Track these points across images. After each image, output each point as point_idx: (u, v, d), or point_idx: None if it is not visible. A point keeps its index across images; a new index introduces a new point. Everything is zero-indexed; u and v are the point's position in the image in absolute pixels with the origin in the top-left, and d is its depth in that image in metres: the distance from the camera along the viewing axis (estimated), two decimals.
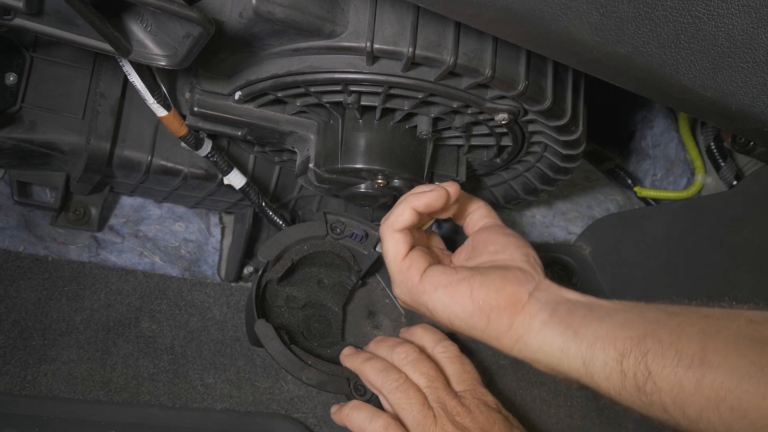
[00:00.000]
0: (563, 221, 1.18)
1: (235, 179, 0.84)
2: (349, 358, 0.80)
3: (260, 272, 0.83)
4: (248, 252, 0.98)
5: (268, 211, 0.88)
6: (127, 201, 0.98)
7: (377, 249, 0.86)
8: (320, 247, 0.85)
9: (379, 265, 0.89)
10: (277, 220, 0.88)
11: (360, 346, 0.85)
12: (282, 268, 0.83)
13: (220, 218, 1.04)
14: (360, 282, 0.90)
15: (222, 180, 0.86)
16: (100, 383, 0.81)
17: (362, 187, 0.78)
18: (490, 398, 0.76)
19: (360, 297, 0.91)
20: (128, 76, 0.70)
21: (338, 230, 0.85)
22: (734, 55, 0.54)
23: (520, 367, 0.97)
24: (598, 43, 0.52)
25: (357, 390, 0.79)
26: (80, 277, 0.87)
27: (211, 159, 0.81)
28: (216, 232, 1.02)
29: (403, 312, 0.90)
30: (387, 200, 0.82)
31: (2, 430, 0.72)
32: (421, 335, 0.83)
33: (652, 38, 0.52)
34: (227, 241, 1.02)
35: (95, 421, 0.76)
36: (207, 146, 0.79)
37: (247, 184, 0.85)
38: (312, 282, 0.88)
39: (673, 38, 0.53)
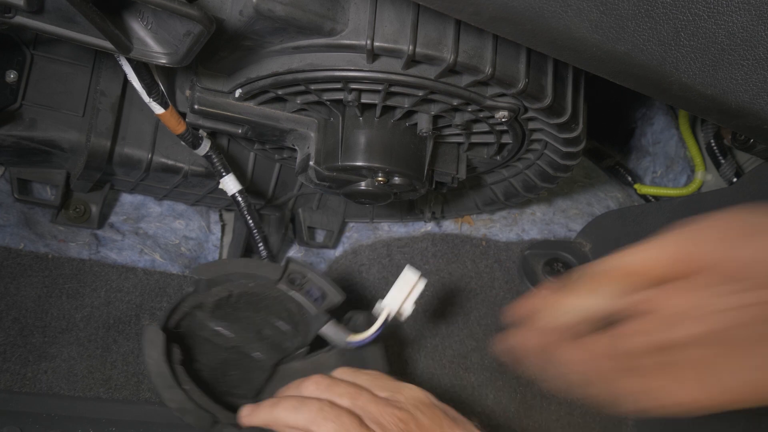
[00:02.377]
0: (563, 218, 1.18)
1: (230, 184, 0.83)
2: (252, 414, 0.66)
3: (192, 289, 0.76)
4: (248, 250, 0.98)
5: (253, 226, 0.85)
6: (127, 198, 0.98)
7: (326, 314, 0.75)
8: (264, 289, 0.76)
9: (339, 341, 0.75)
10: (258, 239, 0.85)
11: None
12: (215, 295, 0.75)
13: (221, 216, 1.04)
14: (307, 350, 0.79)
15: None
16: (100, 380, 0.81)
17: (362, 185, 0.78)
18: (420, 393, 0.66)
19: (304, 366, 0.78)
20: (127, 75, 0.70)
21: (297, 282, 0.77)
22: (734, 52, 0.54)
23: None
24: (598, 40, 0.52)
25: None
26: (80, 275, 0.87)
27: (208, 159, 0.81)
28: (216, 229, 1.02)
29: None
30: (387, 198, 0.82)
31: (2, 428, 0.72)
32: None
33: (651, 36, 0.52)
34: (227, 239, 1.02)
35: (95, 419, 0.76)
36: (205, 146, 0.79)
37: (240, 192, 0.83)
38: (251, 329, 0.79)
39: (672, 36, 0.53)
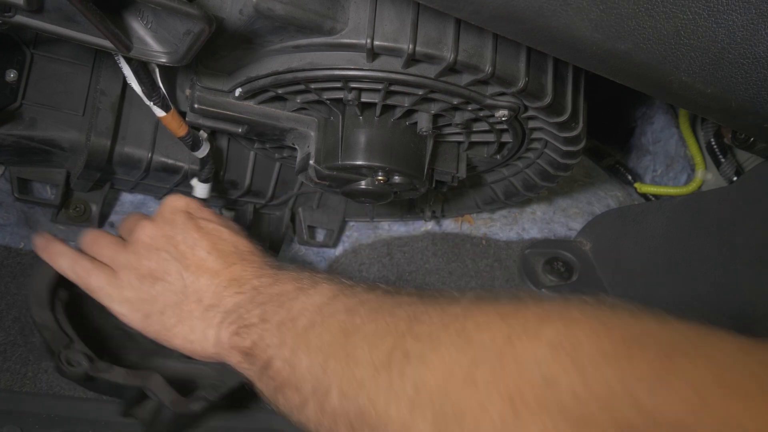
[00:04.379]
0: (563, 217, 1.18)
1: (201, 190, 0.84)
2: (48, 251, 0.75)
3: None
4: None
5: None
6: (127, 198, 0.98)
7: None
8: None
9: None
10: None
11: None
12: None
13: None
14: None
15: (222, 177, 0.86)
16: None
17: (362, 184, 0.78)
18: (178, 202, 0.75)
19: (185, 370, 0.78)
20: (126, 79, 0.70)
21: None
22: (734, 51, 0.54)
23: None
24: (598, 39, 0.52)
25: (70, 362, 0.69)
26: None
27: (202, 162, 0.81)
28: None
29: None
30: (387, 197, 0.82)
31: (2, 427, 0.72)
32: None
33: (652, 35, 0.52)
34: None
35: (96, 419, 0.76)
36: (204, 149, 0.79)
37: (203, 201, 0.84)
38: None
39: (673, 35, 0.53)
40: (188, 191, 0.92)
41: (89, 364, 0.69)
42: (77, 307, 0.78)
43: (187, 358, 0.74)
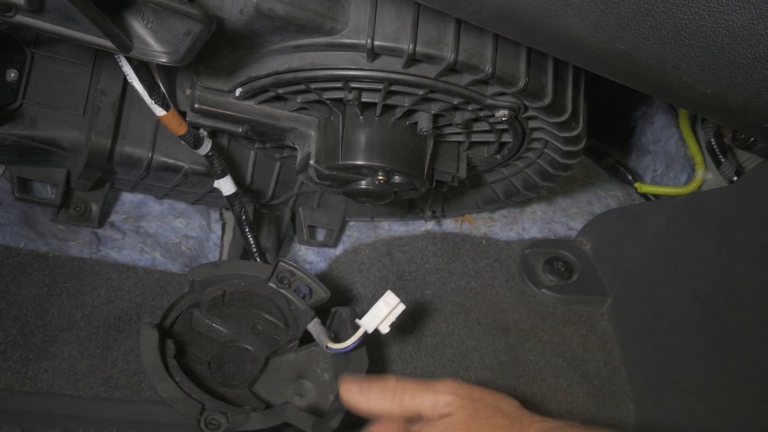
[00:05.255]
0: (564, 217, 1.18)
1: (226, 186, 0.84)
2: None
3: (187, 290, 0.80)
4: None
5: (246, 228, 0.87)
6: (127, 197, 0.98)
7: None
8: (255, 287, 0.81)
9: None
10: (251, 241, 0.87)
11: (271, 401, 0.79)
12: (209, 294, 0.80)
13: (221, 215, 1.04)
14: (297, 344, 0.82)
15: None
16: (100, 379, 0.81)
17: (362, 184, 0.78)
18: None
19: (296, 359, 0.82)
20: (127, 77, 0.70)
21: (285, 280, 0.82)
22: (734, 51, 0.54)
23: (521, 362, 0.97)
24: (598, 40, 0.52)
25: (208, 425, 0.71)
26: (81, 274, 0.87)
27: (208, 159, 0.81)
28: (217, 228, 1.02)
29: (334, 394, 0.80)
30: (388, 197, 0.82)
31: (3, 427, 0.72)
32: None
33: (652, 35, 0.52)
34: (228, 238, 1.02)
35: (96, 418, 0.76)
36: (207, 146, 0.80)
37: (235, 194, 0.85)
38: (244, 324, 0.83)
39: (673, 35, 0.53)
40: (190, 190, 0.92)
41: (227, 421, 0.70)
42: (184, 343, 0.79)
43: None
